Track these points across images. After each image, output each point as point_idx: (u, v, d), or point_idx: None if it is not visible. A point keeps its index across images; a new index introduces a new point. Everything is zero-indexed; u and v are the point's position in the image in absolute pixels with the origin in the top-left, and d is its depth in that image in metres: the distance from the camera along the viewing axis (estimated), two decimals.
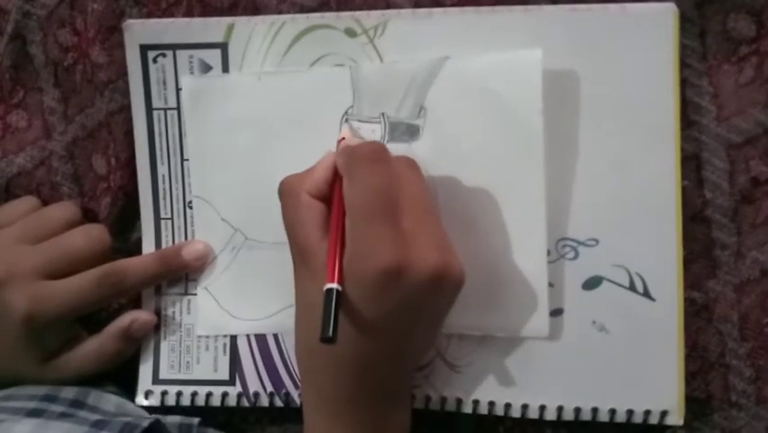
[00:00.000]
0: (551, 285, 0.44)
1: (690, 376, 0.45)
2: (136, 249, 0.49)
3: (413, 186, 0.40)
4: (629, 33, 0.43)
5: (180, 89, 0.48)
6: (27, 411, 0.43)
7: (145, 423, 0.42)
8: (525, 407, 0.45)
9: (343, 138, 0.44)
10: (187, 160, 0.48)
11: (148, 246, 0.49)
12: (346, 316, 0.37)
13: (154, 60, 0.47)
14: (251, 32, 0.46)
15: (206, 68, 0.47)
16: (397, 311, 0.38)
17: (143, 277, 0.47)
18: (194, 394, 0.49)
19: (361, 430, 0.41)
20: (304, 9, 0.47)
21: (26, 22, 0.50)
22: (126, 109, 0.49)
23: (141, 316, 0.48)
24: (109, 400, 0.47)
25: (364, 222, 0.38)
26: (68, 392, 0.46)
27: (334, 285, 0.37)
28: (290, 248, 0.41)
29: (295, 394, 0.48)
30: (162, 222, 0.49)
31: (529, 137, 0.43)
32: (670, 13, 0.43)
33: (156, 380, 0.49)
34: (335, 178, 0.41)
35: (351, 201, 0.38)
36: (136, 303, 0.49)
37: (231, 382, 0.49)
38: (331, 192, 0.41)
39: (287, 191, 0.41)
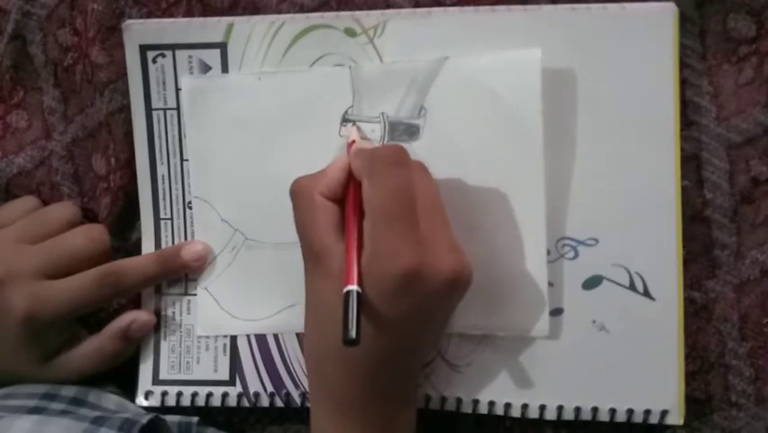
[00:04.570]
0: (551, 284, 0.44)
1: (690, 376, 0.45)
2: (136, 249, 0.49)
3: (427, 189, 0.40)
4: (629, 33, 0.43)
5: (180, 89, 0.48)
6: (27, 409, 0.43)
7: (144, 420, 0.42)
8: (525, 406, 0.45)
9: (353, 141, 0.44)
10: (187, 160, 0.48)
11: (148, 246, 0.49)
12: (364, 317, 0.38)
13: (153, 61, 0.47)
14: (251, 32, 0.46)
15: (206, 68, 0.47)
16: (413, 312, 0.38)
17: (143, 277, 0.47)
18: (194, 395, 0.49)
19: (371, 431, 0.41)
20: (304, 9, 0.47)
21: (26, 22, 0.50)
22: (126, 109, 0.49)
23: (141, 316, 0.48)
24: (109, 399, 0.48)
25: (385, 224, 0.38)
26: (69, 390, 0.46)
27: (355, 287, 0.37)
28: (302, 249, 0.41)
29: (295, 394, 0.48)
30: (162, 222, 0.49)
31: (529, 137, 0.43)
32: (670, 13, 0.43)
33: (156, 380, 0.49)
34: (348, 180, 0.41)
35: (371, 203, 0.39)
36: (136, 303, 0.49)
37: (231, 383, 0.49)
38: (344, 194, 0.41)
39: (299, 192, 0.41)
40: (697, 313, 0.45)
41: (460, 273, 0.38)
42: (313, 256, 0.40)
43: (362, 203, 0.39)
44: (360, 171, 0.40)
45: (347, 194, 0.41)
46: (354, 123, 0.46)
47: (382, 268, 0.37)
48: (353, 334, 0.36)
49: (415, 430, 0.43)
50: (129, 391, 0.49)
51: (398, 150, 0.40)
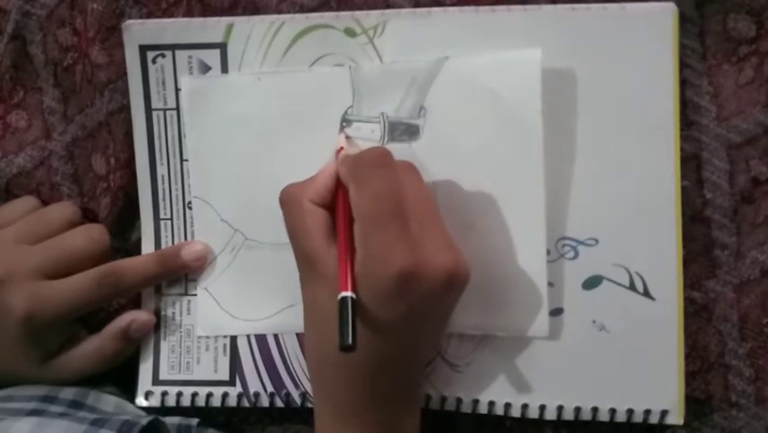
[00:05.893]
0: (551, 285, 0.44)
1: (690, 376, 0.45)
2: (136, 249, 0.49)
3: (415, 189, 0.40)
4: (629, 33, 0.43)
5: (179, 90, 0.48)
6: (26, 412, 0.43)
7: (144, 421, 0.42)
8: (524, 406, 0.45)
9: (342, 148, 0.44)
10: (187, 160, 0.48)
11: (147, 247, 0.49)
12: (361, 321, 0.37)
13: (153, 61, 0.47)
14: (251, 32, 0.46)
15: (205, 68, 0.47)
16: (410, 314, 0.38)
17: (142, 277, 0.47)
18: (194, 395, 0.49)
19: None
20: (304, 9, 0.47)
21: (26, 22, 0.50)
22: (126, 109, 0.49)
23: (141, 316, 0.48)
24: (108, 401, 0.47)
25: (375, 227, 0.38)
26: (68, 393, 0.46)
27: (349, 293, 0.37)
28: (295, 255, 0.41)
29: (295, 394, 0.48)
30: (162, 222, 0.49)
31: (528, 137, 0.43)
32: (670, 13, 0.43)
33: (156, 380, 0.49)
34: (337, 186, 0.41)
35: (360, 208, 0.38)
36: (136, 303, 0.49)
37: (231, 383, 0.49)
38: (333, 200, 0.41)
39: (288, 200, 0.41)
40: (697, 313, 0.45)
41: (456, 271, 0.38)
42: (306, 262, 0.40)
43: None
44: (346, 177, 0.40)
45: (337, 200, 0.41)
46: (343, 130, 0.46)
47: (376, 271, 0.37)
48: (350, 340, 0.36)
49: (419, 431, 0.43)
50: (129, 391, 0.49)
51: (381, 152, 0.40)
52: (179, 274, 0.49)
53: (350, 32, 0.46)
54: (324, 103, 0.46)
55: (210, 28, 0.47)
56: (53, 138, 0.51)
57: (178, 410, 0.49)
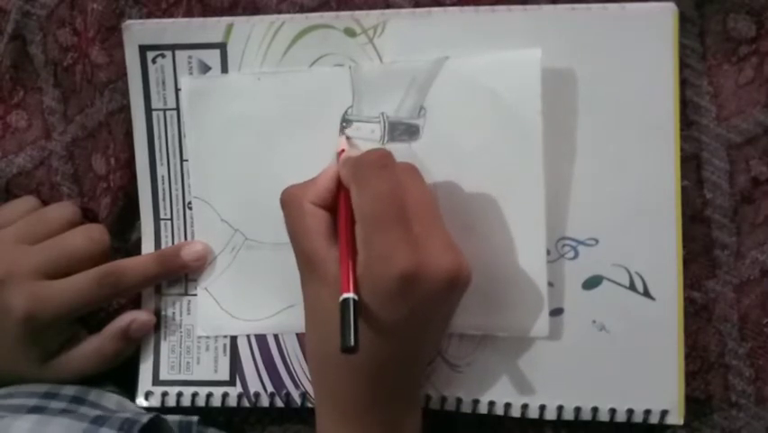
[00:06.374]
0: (551, 285, 0.44)
1: (690, 376, 0.45)
2: (136, 249, 0.49)
3: (417, 190, 0.40)
4: (629, 33, 0.43)
5: (179, 90, 0.48)
6: (28, 409, 0.43)
7: (145, 419, 0.42)
8: (524, 406, 0.45)
9: (343, 150, 0.44)
10: (187, 160, 0.48)
11: (147, 247, 0.49)
12: (363, 322, 0.38)
13: (153, 61, 0.47)
14: (251, 33, 0.46)
15: (205, 68, 0.47)
16: (412, 315, 0.38)
17: (142, 277, 0.47)
18: (194, 395, 0.49)
19: None
20: (304, 9, 0.47)
21: (26, 22, 0.50)
22: (126, 109, 0.49)
23: (140, 316, 0.48)
24: (110, 398, 0.48)
25: (377, 229, 0.38)
26: (69, 390, 0.46)
27: (351, 295, 0.37)
28: (296, 256, 0.41)
29: (295, 394, 0.48)
30: (162, 222, 0.49)
31: (528, 137, 0.43)
32: (669, 13, 0.43)
33: (156, 381, 0.49)
34: (339, 188, 0.41)
35: (362, 209, 0.38)
36: (136, 303, 0.49)
37: (231, 383, 0.49)
38: (334, 202, 0.41)
39: (289, 201, 0.41)
40: (697, 313, 0.45)
41: (457, 272, 0.38)
42: (307, 263, 0.41)
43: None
44: (347, 179, 0.40)
45: (338, 202, 0.41)
46: (343, 130, 0.46)
47: (378, 272, 0.37)
48: (351, 342, 0.36)
49: (420, 431, 0.43)
50: (129, 391, 0.49)
51: (382, 153, 0.40)
52: (179, 274, 0.49)
53: (350, 32, 0.46)
54: (324, 103, 0.46)
55: (210, 28, 0.47)
56: (53, 138, 0.51)
57: (178, 411, 0.48)
